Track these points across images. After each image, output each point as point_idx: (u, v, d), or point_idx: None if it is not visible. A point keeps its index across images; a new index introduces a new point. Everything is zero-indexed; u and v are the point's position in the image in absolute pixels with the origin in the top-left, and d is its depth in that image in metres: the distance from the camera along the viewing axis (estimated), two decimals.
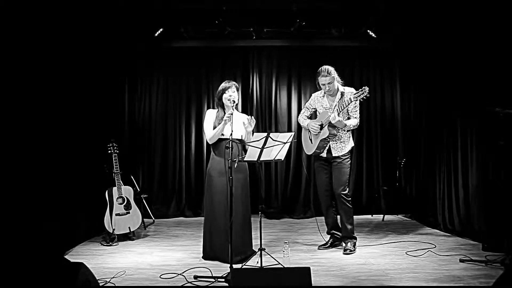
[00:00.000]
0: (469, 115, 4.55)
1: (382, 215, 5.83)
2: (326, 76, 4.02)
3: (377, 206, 6.02)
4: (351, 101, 3.93)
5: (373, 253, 4.12)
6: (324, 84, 4.06)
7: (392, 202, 5.99)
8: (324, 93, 4.18)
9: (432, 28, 5.09)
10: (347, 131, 4.13)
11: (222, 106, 3.96)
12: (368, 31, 5.67)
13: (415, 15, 5.17)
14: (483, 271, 3.51)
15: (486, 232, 4.21)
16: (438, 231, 4.98)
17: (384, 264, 3.78)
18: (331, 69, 4.04)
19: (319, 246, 4.31)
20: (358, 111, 4.13)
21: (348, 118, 4.11)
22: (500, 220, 4.03)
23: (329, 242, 4.31)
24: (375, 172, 6.17)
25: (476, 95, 4.41)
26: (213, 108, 5.69)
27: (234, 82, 4.01)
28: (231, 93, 3.91)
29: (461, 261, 3.76)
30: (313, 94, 4.40)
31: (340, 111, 3.98)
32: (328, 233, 4.36)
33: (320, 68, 4.07)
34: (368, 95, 3.81)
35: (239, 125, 3.91)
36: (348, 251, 4.09)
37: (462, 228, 4.66)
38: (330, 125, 4.03)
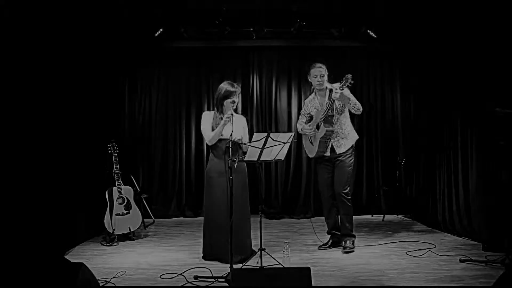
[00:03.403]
0: (469, 115, 4.55)
1: (382, 215, 5.82)
2: (320, 67, 4.09)
3: (377, 206, 6.02)
4: (337, 90, 3.90)
5: (373, 253, 4.12)
6: (316, 76, 4.09)
7: (392, 202, 5.99)
8: (315, 89, 4.19)
9: (432, 28, 5.09)
10: (346, 124, 4.12)
11: (221, 108, 3.93)
12: (368, 31, 5.67)
13: (415, 15, 5.17)
14: (483, 271, 3.51)
15: (486, 232, 4.21)
16: (438, 231, 4.98)
17: (384, 264, 3.78)
18: (323, 65, 4.14)
19: (319, 246, 4.31)
20: (347, 113, 4.18)
21: (341, 113, 4.13)
22: (500, 220, 4.03)
23: (329, 242, 4.31)
24: (375, 172, 6.17)
25: (476, 95, 4.41)
26: (209, 109, 5.73)
27: (239, 88, 3.98)
28: (235, 98, 3.90)
29: (461, 261, 3.76)
30: (305, 101, 4.43)
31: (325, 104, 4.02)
32: (328, 233, 4.35)
33: (313, 63, 4.15)
34: (352, 81, 3.81)
35: (238, 126, 3.91)
36: (347, 249, 4.09)
37: (462, 228, 4.66)
38: (326, 121, 4.04)
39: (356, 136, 4.24)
